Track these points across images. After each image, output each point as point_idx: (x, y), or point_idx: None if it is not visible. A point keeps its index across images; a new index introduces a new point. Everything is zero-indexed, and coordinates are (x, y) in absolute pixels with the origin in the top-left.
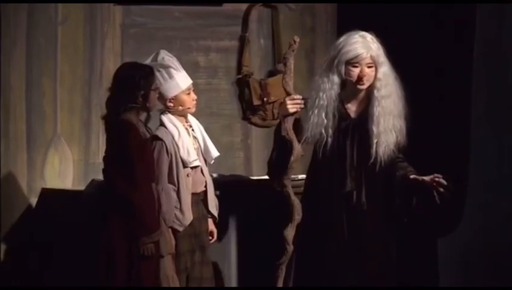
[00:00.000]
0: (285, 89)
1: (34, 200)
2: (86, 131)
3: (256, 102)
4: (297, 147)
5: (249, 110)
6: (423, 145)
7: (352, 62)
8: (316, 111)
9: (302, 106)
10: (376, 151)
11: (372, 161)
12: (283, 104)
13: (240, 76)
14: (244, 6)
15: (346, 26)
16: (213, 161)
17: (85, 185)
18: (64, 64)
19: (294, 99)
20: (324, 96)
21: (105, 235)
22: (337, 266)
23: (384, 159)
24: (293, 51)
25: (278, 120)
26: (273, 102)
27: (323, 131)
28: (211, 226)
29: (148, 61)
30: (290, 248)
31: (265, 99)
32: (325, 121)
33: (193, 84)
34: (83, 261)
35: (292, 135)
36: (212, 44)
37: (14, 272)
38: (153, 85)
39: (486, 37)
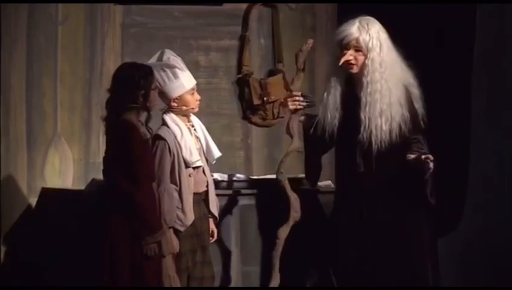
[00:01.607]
0: (289, 88)
1: (34, 200)
2: (86, 130)
3: (256, 101)
4: (295, 142)
5: (249, 109)
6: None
7: (342, 45)
8: (330, 94)
9: (304, 104)
10: (367, 136)
11: (366, 145)
12: (284, 103)
13: (240, 75)
14: (244, 5)
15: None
16: (214, 161)
17: (85, 184)
18: (65, 63)
19: (293, 96)
20: (333, 80)
21: (108, 236)
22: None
23: (381, 143)
24: (301, 51)
25: (278, 120)
26: (273, 101)
27: (335, 114)
28: (212, 226)
29: (153, 61)
30: (280, 242)
31: (265, 98)
32: (337, 104)
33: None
34: (83, 260)
35: (294, 133)
36: (212, 43)
37: (14, 272)
38: (153, 84)
39: (487, 37)
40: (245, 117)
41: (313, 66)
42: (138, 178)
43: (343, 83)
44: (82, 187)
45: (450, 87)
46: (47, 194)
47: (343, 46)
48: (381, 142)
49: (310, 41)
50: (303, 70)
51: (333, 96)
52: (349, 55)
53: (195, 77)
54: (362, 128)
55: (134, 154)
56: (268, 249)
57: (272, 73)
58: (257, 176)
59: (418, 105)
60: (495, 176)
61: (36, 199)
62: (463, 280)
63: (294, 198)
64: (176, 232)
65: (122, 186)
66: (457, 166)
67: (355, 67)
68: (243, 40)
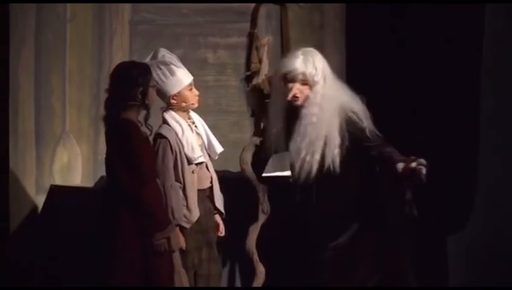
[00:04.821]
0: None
1: (42, 197)
2: (95, 128)
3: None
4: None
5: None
6: (434, 145)
7: (288, 78)
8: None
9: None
10: (297, 168)
11: (302, 173)
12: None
13: (249, 73)
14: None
15: (354, 23)
16: (217, 157)
17: (93, 181)
18: (73, 61)
19: None
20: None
21: (117, 235)
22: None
23: (308, 175)
24: (256, 49)
25: None
26: None
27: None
28: (219, 220)
29: (147, 60)
30: (252, 246)
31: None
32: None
33: (202, 80)
34: (92, 257)
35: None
36: (220, 41)
37: (23, 268)
38: (151, 82)
39: (495, 37)
40: (253, 114)
41: None
42: (142, 175)
43: (285, 114)
44: (90, 184)
45: (458, 88)
46: (55, 191)
47: (289, 79)
48: (308, 174)
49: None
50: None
51: (277, 126)
52: (296, 89)
53: (204, 74)
54: (292, 160)
55: (136, 152)
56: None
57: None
58: (265, 173)
59: (366, 123)
60: (503, 176)
61: (45, 197)
62: (471, 279)
63: (261, 190)
64: (181, 229)
65: (128, 185)
66: (466, 166)
67: (300, 100)
68: (251, 38)
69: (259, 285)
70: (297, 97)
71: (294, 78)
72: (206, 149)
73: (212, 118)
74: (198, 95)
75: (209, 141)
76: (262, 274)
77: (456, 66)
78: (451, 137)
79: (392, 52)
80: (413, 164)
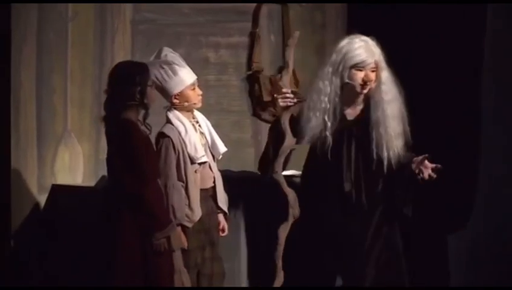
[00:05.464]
0: (278, 84)
1: (44, 197)
2: (96, 127)
3: (266, 98)
4: (289, 139)
5: (259, 106)
6: (434, 143)
7: (357, 66)
8: (317, 113)
9: (295, 100)
10: (386, 155)
11: (380, 164)
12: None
13: (250, 72)
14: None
15: (356, 22)
16: (221, 156)
17: (95, 181)
18: (75, 60)
19: (283, 93)
20: (326, 99)
21: (118, 234)
22: (333, 267)
23: (394, 162)
24: (288, 46)
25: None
26: None
27: (323, 133)
28: (222, 220)
29: (151, 59)
30: (281, 242)
31: (275, 95)
32: (327, 123)
33: (203, 80)
34: (93, 257)
35: (286, 128)
36: (222, 40)
37: (24, 268)
38: (149, 81)
39: (496, 36)
40: (255, 114)
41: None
42: (143, 175)
43: (338, 103)
44: (92, 184)
45: (459, 86)
46: (57, 190)
47: (357, 68)
48: (389, 161)
49: (297, 33)
50: (288, 66)
51: (326, 117)
52: (368, 76)
53: (205, 74)
54: (373, 146)
55: (136, 151)
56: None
57: (282, 70)
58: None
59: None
60: (504, 175)
61: (46, 196)
62: (472, 278)
63: (292, 196)
64: (184, 228)
65: (129, 185)
66: (466, 164)
67: (368, 87)
68: (253, 37)
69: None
70: (367, 85)
71: (367, 66)
72: (209, 149)
73: (214, 118)
74: (202, 95)
75: (213, 141)
76: (280, 283)
77: (457, 66)
78: (451, 137)
79: (393, 52)
80: (430, 166)
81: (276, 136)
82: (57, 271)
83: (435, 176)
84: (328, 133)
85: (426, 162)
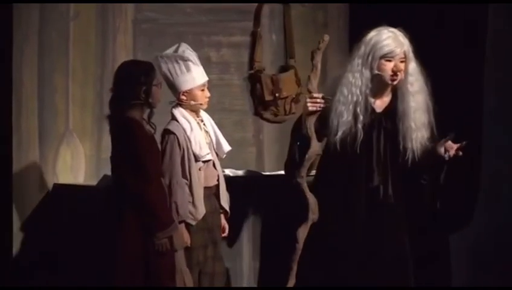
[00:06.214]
0: (307, 88)
1: (46, 196)
2: (98, 126)
3: (268, 97)
4: (315, 146)
5: (260, 105)
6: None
7: (386, 57)
8: (350, 107)
9: (323, 105)
10: (411, 147)
11: (405, 156)
12: (304, 103)
13: (252, 71)
14: (255, 2)
15: (358, 22)
16: (225, 156)
17: (97, 180)
18: (76, 59)
19: (314, 98)
20: (358, 91)
21: (120, 234)
22: (351, 263)
23: (417, 154)
24: (318, 49)
25: (290, 116)
26: (285, 97)
27: (353, 127)
28: (223, 221)
29: (168, 52)
30: (300, 246)
31: (277, 94)
32: (359, 116)
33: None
34: (94, 256)
35: (312, 134)
36: (223, 39)
37: (26, 267)
38: (155, 80)
39: (498, 35)
40: (257, 113)
41: (324, 64)
42: (147, 174)
43: (368, 95)
44: (94, 183)
45: (461, 85)
46: (59, 190)
47: (387, 58)
48: (414, 153)
49: (327, 37)
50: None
51: (358, 109)
52: (397, 66)
53: (207, 73)
54: (413, 138)
55: (141, 150)
56: (280, 246)
57: (283, 69)
58: (269, 172)
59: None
60: (507, 173)
61: (48, 195)
62: (474, 277)
63: (313, 200)
64: (187, 226)
65: (132, 184)
66: (469, 163)
67: (399, 78)
68: (254, 36)
69: None
70: (396, 75)
71: (395, 56)
72: (213, 147)
73: (215, 117)
74: (209, 97)
75: (217, 140)
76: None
77: (457, 66)
78: (454, 135)
79: None
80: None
81: (299, 139)
82: (58, 270)
83: (460, 153)
84: (360, 126)
85: (450, 142)
